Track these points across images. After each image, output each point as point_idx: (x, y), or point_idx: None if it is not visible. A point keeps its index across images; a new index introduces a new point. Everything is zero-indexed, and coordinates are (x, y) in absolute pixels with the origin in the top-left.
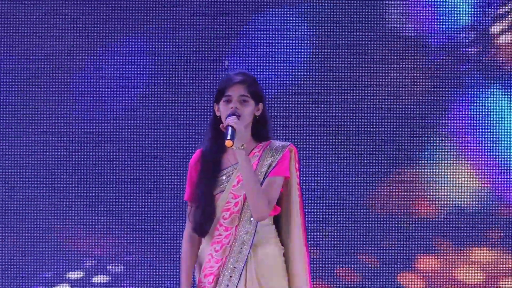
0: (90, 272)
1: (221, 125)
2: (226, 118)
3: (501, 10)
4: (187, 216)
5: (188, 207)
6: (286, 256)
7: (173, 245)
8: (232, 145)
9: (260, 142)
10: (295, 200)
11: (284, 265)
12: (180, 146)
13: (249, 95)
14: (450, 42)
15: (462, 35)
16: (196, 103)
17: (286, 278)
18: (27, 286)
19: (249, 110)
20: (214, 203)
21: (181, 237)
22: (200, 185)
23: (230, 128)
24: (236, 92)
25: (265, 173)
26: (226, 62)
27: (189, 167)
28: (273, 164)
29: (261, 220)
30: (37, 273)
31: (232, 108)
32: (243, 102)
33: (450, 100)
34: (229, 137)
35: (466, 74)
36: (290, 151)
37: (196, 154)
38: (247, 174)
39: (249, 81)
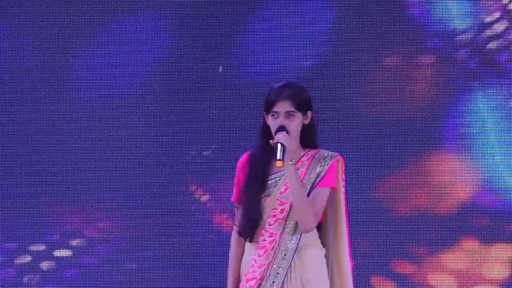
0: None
1: (271, 141)
2: (275, 133)
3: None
4: (235, 219)
5: (235, 208)
6: (331, 264)
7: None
8: (283, 165)
9: (308, 149)
10: (341, 210)
11: (326, 268)
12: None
13: (295, 110)
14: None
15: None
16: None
17: (329, 282)
18: None
19: (296, 123)
20: (260, 207)
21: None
22: (248, 188)
23: (279, 146)
24: (282, 108)
25: (313, 182)
26: (220, 68)
27: (237, 169)
28: (321, 174)
29: (307, 232)
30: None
31: (278, 124)
32: (290, 117)
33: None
34: (279, 157)
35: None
36: (338, 162)
37: (244, 157)
38: (295, 188)
39: (295, 95)
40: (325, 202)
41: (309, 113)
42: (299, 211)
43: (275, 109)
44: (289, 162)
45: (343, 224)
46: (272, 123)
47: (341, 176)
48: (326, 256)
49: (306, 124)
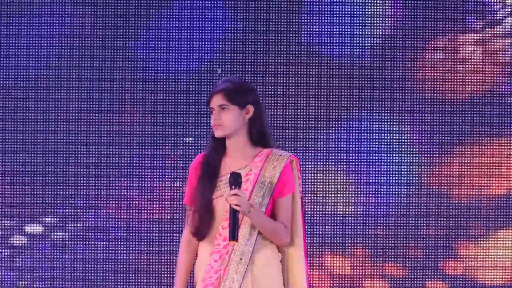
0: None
1: (225, 198)
2: (229, 184)
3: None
4: (185, 221)
5: (187, 211)
6: (284, 263)
7: None
8: (237, 241)
9: (260, 148)
10: (298, 212)
11: (281, 272)
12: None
13: (228, 103)
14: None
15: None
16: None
17: (282, 284)
18: None
19: (230, 116)
20: (211, 206)
21: None
22: (199, 188)
23: (231, 218)
24: (215, 102)
25: (268, 183)
26: (219, 70)
27: (190, 171)
28: (276, 176)
29: (284, 246)
30: None
31: (213, 119)
32: (223, 110)
33: None
34: (231, 238)
35: None
36: (292, 162)
37: (198, 157)
38: (264, 228)
39: (229, 88)
40: (290, 209)
41: (249, 107)
42: (272, 237)
43: (211, 104)
44: (248, 213)
45: (299, 225)
46: (211, 119)
47: (297, 175)
48: (282, 260)
49: (251, 120)
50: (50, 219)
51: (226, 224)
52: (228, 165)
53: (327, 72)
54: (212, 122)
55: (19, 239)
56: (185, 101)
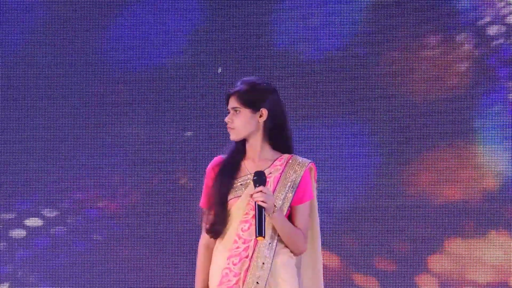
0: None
1: (250, 198)
2: (252, 193)
3: None
4: (202, 224)
5: (204, 215)
6: (304, 270)
7: None
8: (264, 237)
9: (281, 153)
10: (316, 218)
11: (297, 277)
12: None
13: (240, 106)
14: None
15: None
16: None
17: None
18: None
19: (241, 119)
20: (227, 205)
21: None
22: (215, 186)
23: (257, 214)
24: (230, 104)
25: (289, 187)
26: (219, 69)
27: (207, 172)
28: (297, 182)
29: (301, 253)
30: None
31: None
32: (236, 112)
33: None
34: (258, 234)
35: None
36: (311, 170)
37: (215, 159)
38: (284, 232)
39: (242, 90)
40: (309, 216)
41: (263, 110)
42: (291, 243)
43: (227, 107)
44: (273, 213)
45: (317, 233)
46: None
47: (314, 183)
48: (297, 265)
49: (266, 123)
50: (49, 213)
51: (246, 226)
52: (247, 167)
53: (300, 72)
54: (227, 125)
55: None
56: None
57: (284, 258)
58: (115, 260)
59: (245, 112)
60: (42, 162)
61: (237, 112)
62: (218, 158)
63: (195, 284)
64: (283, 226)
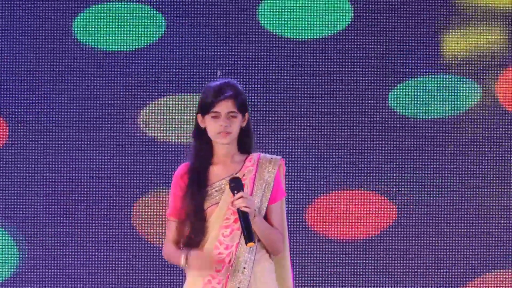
0: None
1: (231, 206)
2: (231, 189)
3: None
4: (167, 233)
5: (171, 223)
6: (278, 272)
7: None
8: (255, 243)
9: (247, 153)
10: (284, 216)
11: (276, 282)
12: None
13: (237, 110)
14: None
15: None
16: None
17: None
18: None
19: (237, 124)
20: (205, 216)
21: None
22: (188, 197)
23: (243, 221)
24: (224, 108)
25: (264, 187)
26: (219, 72)
27: (174, 181)
28: (270, 182)
29: (279, 254)
30: None
31: (221, 126)
32: (232, 118)
33: None
34: (248, 240)
35: None
36: (280, 167)
37: (182, 167)
38: (265, 233)
39: (237, 95)
40: (284, 214)
41: (246, 115)
42: (271, 245)
43: (217, 108)
44: (253, 217)
45: (286, 231)
46: (213, 126)
47: (284, 181)
48: (273, 269)
49: (244, 127)
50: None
51: (227, 231)
52: (217, 172)
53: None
54: (220, 129)
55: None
56: None
57: (265, 261)
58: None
59: (239, 117)
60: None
61: (233, 117)
62: (184, 166)
63: (176, 256)
64: (264, 228)
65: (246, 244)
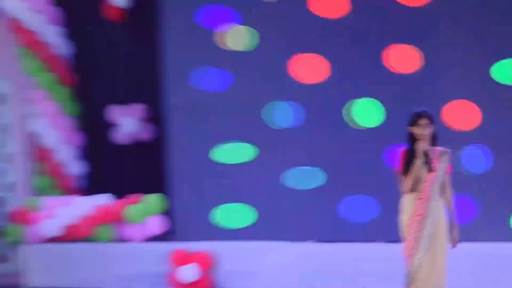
0: None
1: (423, 150)
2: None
3: None
4: (401, 182)
5: (401, 177)
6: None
7: None
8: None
9: (433, 148)
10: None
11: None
12: None
13: (430, 123)
14: None
15: None
16: None
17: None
18: None
19: (431, 131)
20: (419, 176)
21: None
22: (410, 167)
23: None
24: (423, 122)
25: (442, 169)
26: None
27: (400, 155)
28: (446, 164)
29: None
30: None
31: (423, 130)
32: (427, 126)
33: None
34: (431, 170)
35: None
36: (449, 154)
37: (402, 149)
38: (449, 190)
39: (430, 115)
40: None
41: (432, 126)
42: (448, 199)
43: (420, 122)
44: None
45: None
46: (419, 131)
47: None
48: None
49: (432, 132)
50: None
51: (427, 184)
52: (421, 157)
53: None
54: (424, 132)
55: None
56: None
57: (441, 206)
58: None
59: (431, 127)
60: None
61: (428, 126)
62: (403, 150)
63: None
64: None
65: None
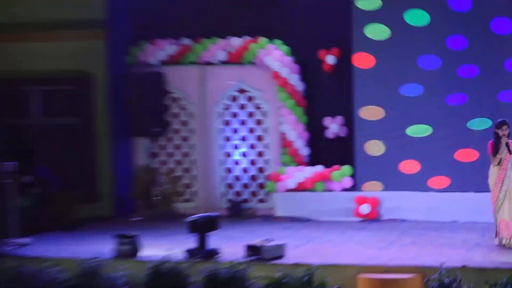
0: None
1: (506, 143)
2: (506, 143)
3: None
4: (493, 161)
5: (491, 157)
6: None
7: None
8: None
9: (510, 141)
10: None
11: None
12: None
13: (507, 127)
14: None
15: None
16: None
17: None
18: None
19: (508, 131)
20: (501, 156)
21: None
22: (496, 152)
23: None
24: (504, 127)
25: None
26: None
27: (490, 146)
28: None
29: None
30: None
31: (504, 132)
32: (506, 129)
33: None
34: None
35: None
36: None
37: (491, 142)
38: None
39: (508, 123)
40: None
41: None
42: None
43: (503, 127)
44: None
45: None
46: (501, 132)
47: None
48: None
49: (509, 132)
50: None
51: (504, 161)
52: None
53: None
54: (505, 133)
55: None
56: None
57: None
58: None
59: (509, 132)
60: None
61: (507, 129)
62: (492, 142)
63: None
64: None
65: (510, 154)
